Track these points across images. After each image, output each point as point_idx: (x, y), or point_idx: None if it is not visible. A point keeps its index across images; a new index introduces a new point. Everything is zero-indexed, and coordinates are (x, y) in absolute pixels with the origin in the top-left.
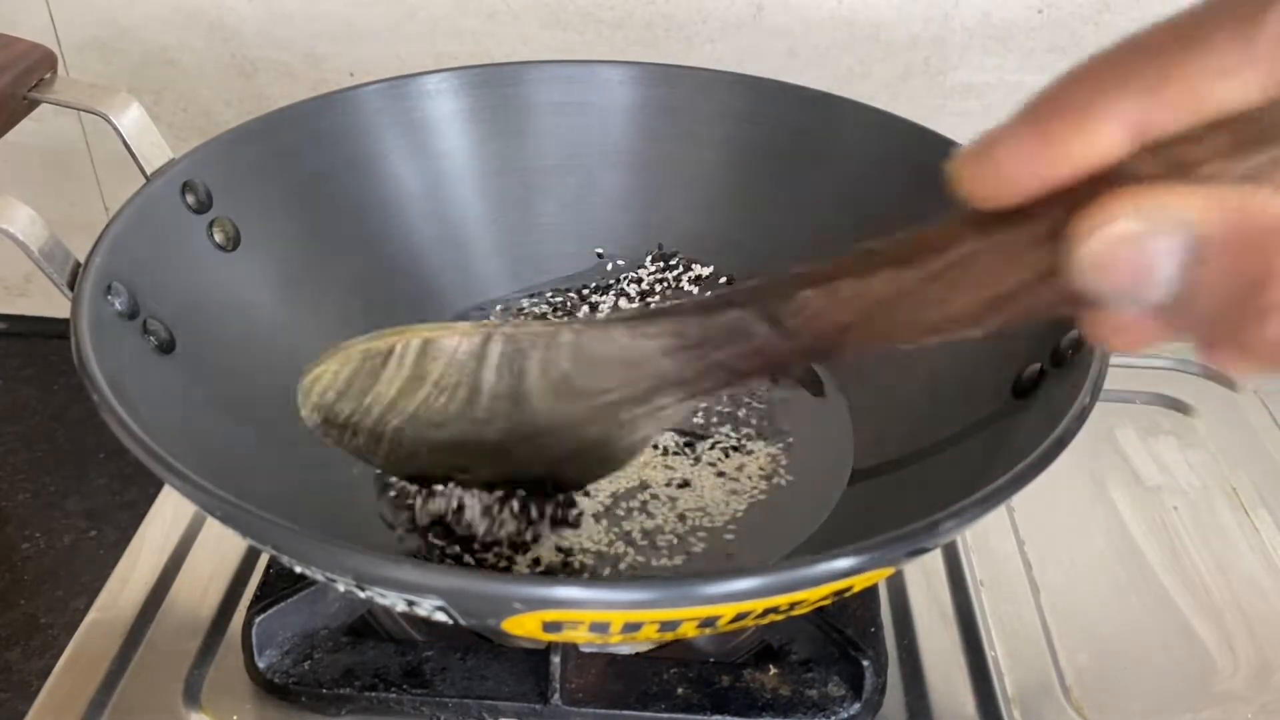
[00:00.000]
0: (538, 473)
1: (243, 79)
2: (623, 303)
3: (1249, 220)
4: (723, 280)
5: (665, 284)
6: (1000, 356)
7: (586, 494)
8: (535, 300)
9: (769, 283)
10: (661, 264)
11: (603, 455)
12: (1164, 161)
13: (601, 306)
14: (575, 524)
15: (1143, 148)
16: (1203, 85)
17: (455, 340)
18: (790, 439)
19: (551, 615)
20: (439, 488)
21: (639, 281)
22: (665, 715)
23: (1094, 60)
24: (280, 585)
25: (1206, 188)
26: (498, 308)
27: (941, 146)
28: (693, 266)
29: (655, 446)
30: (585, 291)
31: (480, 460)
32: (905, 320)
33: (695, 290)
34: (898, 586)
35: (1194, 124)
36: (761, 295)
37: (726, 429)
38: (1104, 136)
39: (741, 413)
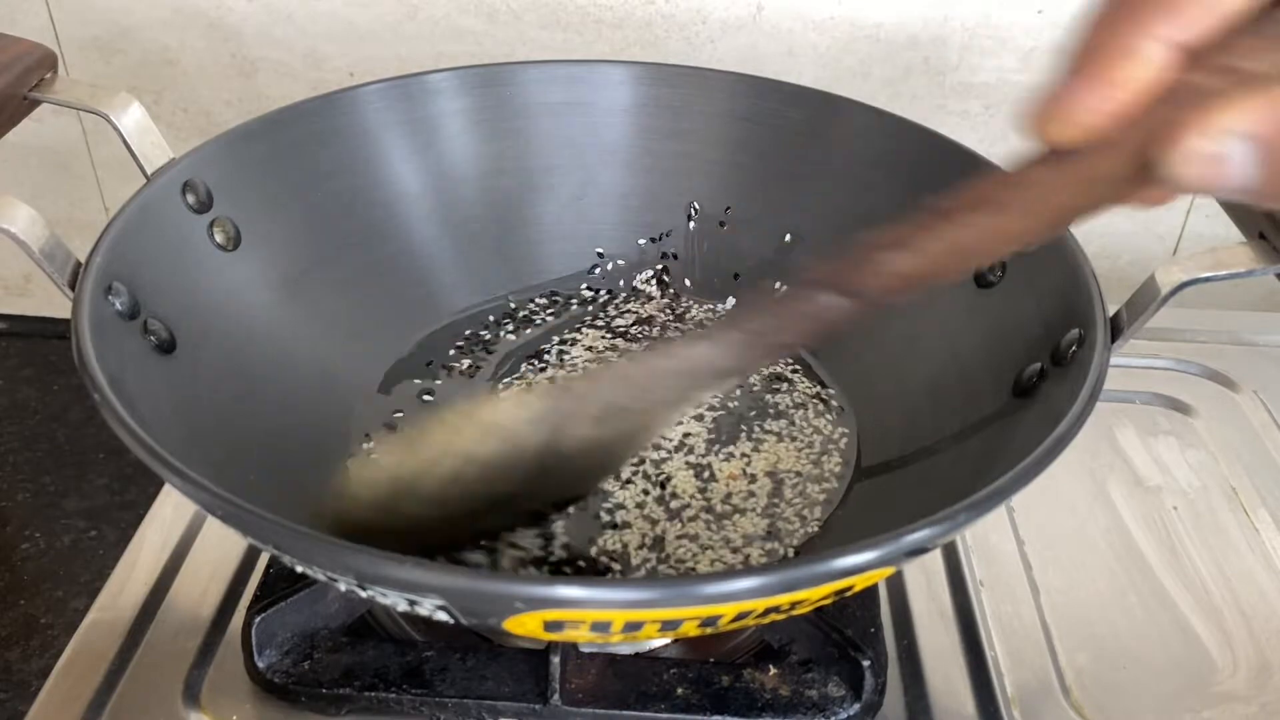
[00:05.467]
0: (552, 499)
1: (243, 79)
2: (619, 303)
3: None
4: (733, 277)
5: (665, 284)
6: (1000, 357)
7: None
8: (534, 301)
9: (848, 259)
10: (661, 264)
11: (613, 456)
12: (1215, 71)
13: (598, 305)
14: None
15: (1189, 60)
16: None
17: (512, 414)
18: (791, 439)
19: (553, 615)
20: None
21: (639, 282)
22: (665, 715)
23: None
24: (280, 585)
25: (1263, 93)
26: (510, 303)
27: (941, 146)
28: (692, 266)
29: (654, 447)
30: (585, 291)
31: (496, 512)
32: (973, 256)
33: (694, 290)
34: (898, 586)
35: (1222, 30)
36: (843, 274)
37: (728, 429)
38: (1150, 59)
39: (743, 413)
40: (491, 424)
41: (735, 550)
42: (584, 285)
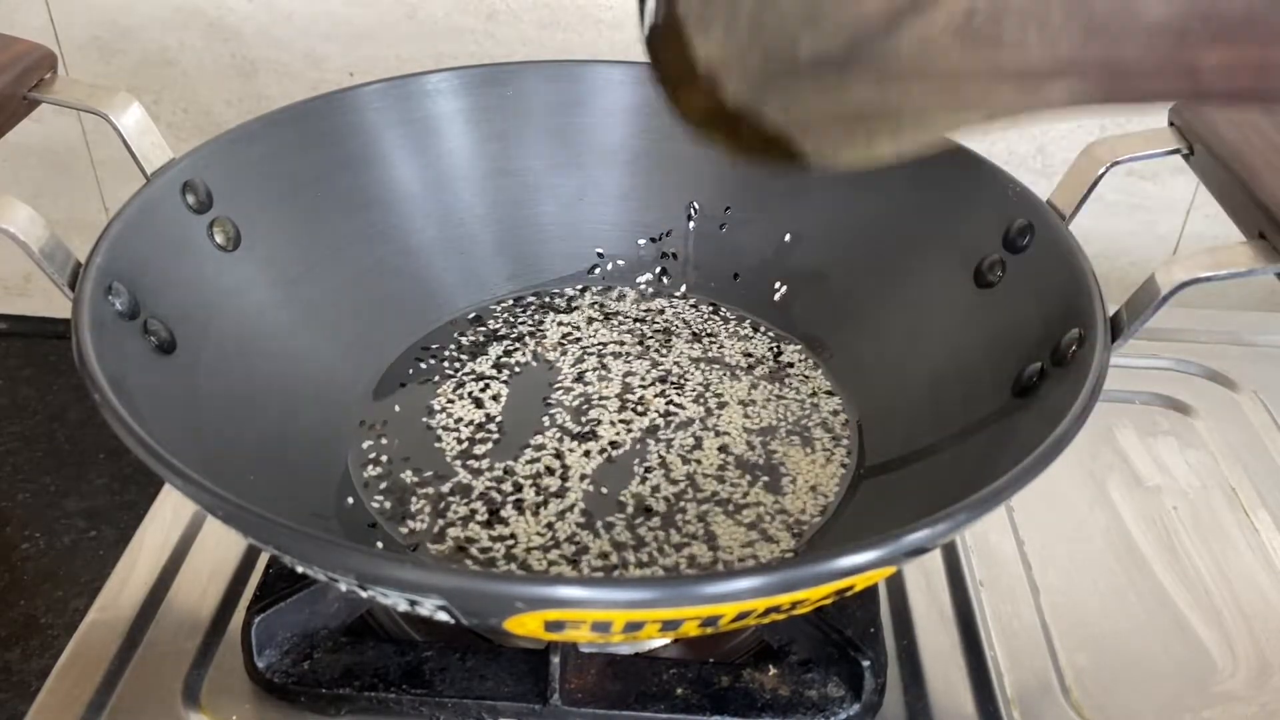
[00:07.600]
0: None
1: (243, 79)
2: (621, 303)
3: None
4: (732, 277)
5: (665, 285)
6: (1000, 356)
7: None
8: (534, 301)
9: None
10: (661, 264)
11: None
12: None
13: (599, 305)
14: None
15: None
16: None
17: None
18: (792, 438)
19: (554, 615)
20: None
21: (639, 281)
22: (665, 715)
23: None
24: (280, 585)
25: None
26: (510, 303)
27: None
28: (692, 266)
29: (657, 441)
30: (585, 291)
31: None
32: None
33: (694, 290)
34: (898, 586)
35: None
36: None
37: (730, 428)
38: None
39: (744, 411)
40: None
41: (735, 549)
42: (584, 285)
